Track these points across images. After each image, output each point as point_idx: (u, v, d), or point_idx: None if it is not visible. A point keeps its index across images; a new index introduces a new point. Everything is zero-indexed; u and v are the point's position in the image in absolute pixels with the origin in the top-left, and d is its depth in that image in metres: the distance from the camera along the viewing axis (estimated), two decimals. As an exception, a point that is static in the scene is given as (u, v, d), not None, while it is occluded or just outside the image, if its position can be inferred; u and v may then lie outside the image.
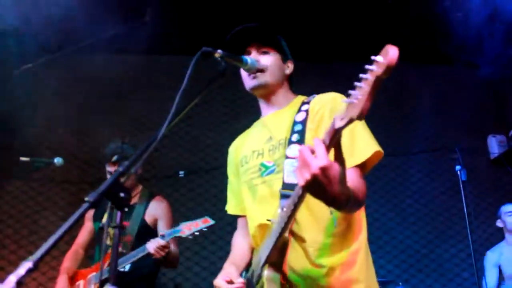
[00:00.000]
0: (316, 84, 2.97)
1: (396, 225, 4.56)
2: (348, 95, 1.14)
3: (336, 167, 1.24)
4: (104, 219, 3.08)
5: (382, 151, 1.59)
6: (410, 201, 4.62)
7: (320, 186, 1.24)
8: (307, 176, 1.24)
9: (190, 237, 2.71)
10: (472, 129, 4.82)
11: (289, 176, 1.63)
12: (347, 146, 1.54)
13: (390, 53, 1.05)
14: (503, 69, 3.93)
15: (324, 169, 1.22)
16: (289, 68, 1.95)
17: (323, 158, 1.22)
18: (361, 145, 1.59)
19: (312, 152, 1.24)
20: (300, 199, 1.36)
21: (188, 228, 2.71)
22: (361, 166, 1.58)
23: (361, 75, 1.09)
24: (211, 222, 2.72)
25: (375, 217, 4.53)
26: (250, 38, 1.86)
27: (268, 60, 1.86)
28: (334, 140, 1.23)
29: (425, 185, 4.70)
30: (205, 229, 2.71)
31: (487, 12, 3.55)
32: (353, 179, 1.51)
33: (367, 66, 1.09)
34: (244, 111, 4.36)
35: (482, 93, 4.89)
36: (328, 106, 1.70)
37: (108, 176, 3.05)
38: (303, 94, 1.93)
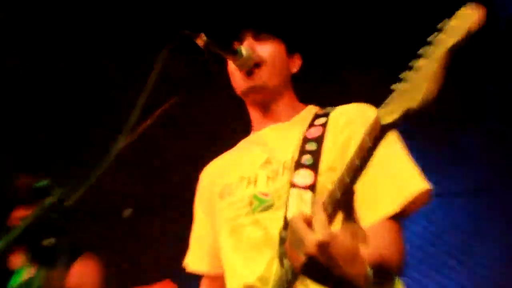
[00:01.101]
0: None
1: None
2: (396, 81, 1.15)
3: (342, 241, 1.23)
4: None
5: (430, 188, 1.57)
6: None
7: (320, 269, 1.24)
8: (302, 258, 1.24)
9: None
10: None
11: (294, 212, 1.61)
12: (374, 185, 1.52)
13: (473, 13, 1.10)
14: None
15: (323, 246, 1.21)
16: (296, 64, 1.93)
17: (321, 231, 1.22)
18: (398, 181, 1.57)
19: (308, 222, 1.24)
20: None
21: None
22: (398, 214, 1.56)
23: (421, 51, 1.10)
24: None
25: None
26: (243, 20, 1.86)
27: (267, 50, 1.84)
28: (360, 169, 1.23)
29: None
30: None
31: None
32: (383, 239, 1.51)
33: (430, 39, 1.11)
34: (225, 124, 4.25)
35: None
36: (359, 123, 1.66)
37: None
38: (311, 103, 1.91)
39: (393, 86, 1.17)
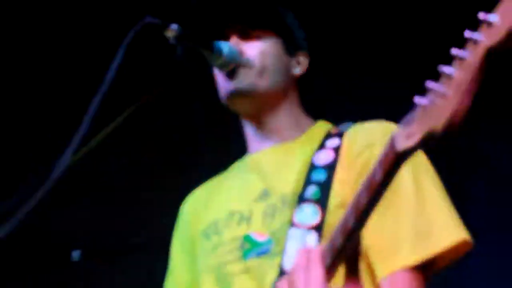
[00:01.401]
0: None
1: None
2: (421, 93, 1.03)
3: None
4: None
5: (470, 239, 1.47)
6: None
7: None
8: None
9: None
10: None
11: (292, 260, 1.47)
12: (391, 226, 1.47)
13: None
14: None
15: None
16: (301, 64, 1.78)
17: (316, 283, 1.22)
18: (425, 224, 1.48)
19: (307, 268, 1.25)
20: None
21: None
22: (424, 265, 1.47)
23: (453, 52, 0.99)
24: None
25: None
26: (227, 13, 1.73)
27: (258, 48, 1.70)
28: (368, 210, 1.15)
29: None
30: None
31: None
32: None
33: (467, 34, 0.98)
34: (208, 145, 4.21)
35: None
36: (380, 146, 1.48)
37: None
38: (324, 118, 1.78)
39: (416, 100, 1.02)
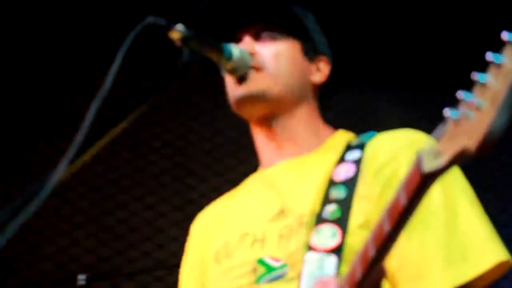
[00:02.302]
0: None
1: None
2: (452, 106, 0.90)
3: None
4: None
5: (509, 260, 1.34)
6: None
7: None
8: None
9: None
10: None
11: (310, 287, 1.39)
12: (419, 248, 1.35)
13: None
14: None
15: None
16: (321, 71, 1.65)
17: None
18: (459, 246, 1.35)
19: None
20: None
21: None
22: None
23: (488, 57, 0.85)
24: None
25: None
26: (241, 13, 1.60)
27: (272, 53, 1.57)
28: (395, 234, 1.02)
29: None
30: None
31: None
32: None
33: (504, 36, 0.85)
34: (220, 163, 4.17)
35: None
36: (406, 157, 1.43)
37: None
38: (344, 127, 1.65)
39: (446, 112, 0.90)
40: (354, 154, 1.50)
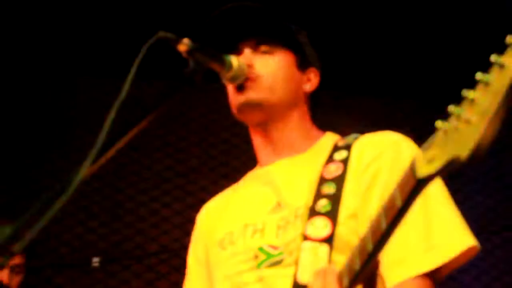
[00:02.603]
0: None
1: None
2: (444, 117, 0.86)
3: None
4: None
5: (477, 245, 1.33)
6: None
7: None
8: None
9: None
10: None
11: (306, 272, 1.36)
12: (403, 236, 1.25)
13: None
14: None
15: None
16: (311, 81, 1.60)
17: None
18: (436, 234, 1.33)
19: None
20: None
21: None
22: (432, 271, 1.33)
23: (478, 77, 0.82)
24: None
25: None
26: (241, 28, 1.54)
27: (269, 64, 1.52)
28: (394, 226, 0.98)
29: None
30: None
31: None
32: None
33: (492, 58, 0.81)
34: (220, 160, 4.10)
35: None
36: (389, 156, 1.42)
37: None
38: (333, 130, 1.60)
39: (438, 124, 0.86)
40: (341, 154, 1.47)
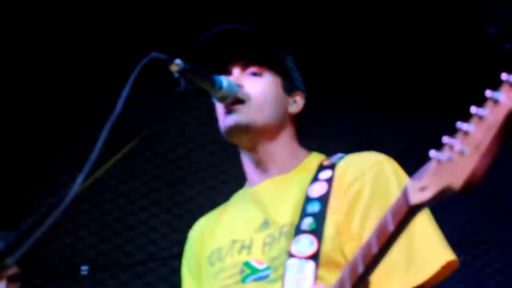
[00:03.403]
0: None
1: None
2: (438, 146, 0.87)
3: None
4: None
5: (456, 259, 1.35)
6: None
7: None
8: None
9: None
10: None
11: None
12: (398, 253, 1.30)
13: None
14: None
15: None
16: (297, 104, 1.63)
17: None
18: (418, 252, 1.35)
19: None
20: None
21: None
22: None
23: (473, 110, 0.83)
24: None
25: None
26: (232, 50, 1.56)
27: (257, 86, 1.55)
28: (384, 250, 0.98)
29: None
30: None
31: None
32: None
33: (488, 94, 0.81)
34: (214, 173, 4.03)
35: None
36: (371, 175, 1.43)
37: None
38: (319, 151, 1.63)
39: (432, 154, 0.87)
40: (326, 174, 1.48)
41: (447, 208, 4.36)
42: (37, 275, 3.95)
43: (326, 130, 3.97)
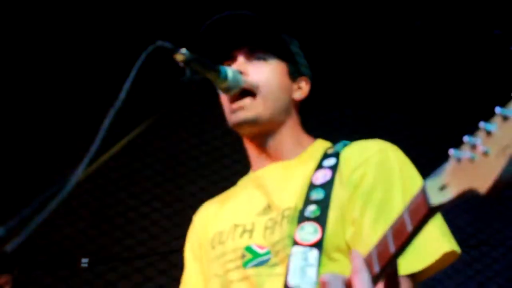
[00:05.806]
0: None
1: None
2: (457, 145, 0.81)
3: None
4: None
5: (458, 250, 1.34)
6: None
7: None
8: None
9: None
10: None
11: (296, 276, 1.34)
12: None
13: None
14: None
15: None
16: (302, 90, 1.60)
17: None
18: (426, 240, 1.27)
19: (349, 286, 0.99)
20: None
21: None
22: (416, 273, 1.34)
23: (497, 110, 0.76)
24: None
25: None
26: (235, 35, 1.53)
27: (262, 73, 1.52)
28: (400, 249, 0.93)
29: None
30: None
31: None
32: None
33: None
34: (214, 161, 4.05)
35: None
36: (375, 161, 1.41)
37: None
38: (323, 137, 1.61)
39: (452, 152, 0.80)
40: (330, 161, 1.46)
41: (446, 210, 4.37)
42: (37, 267, 3.96)
43: (326, 128, 3.95)
